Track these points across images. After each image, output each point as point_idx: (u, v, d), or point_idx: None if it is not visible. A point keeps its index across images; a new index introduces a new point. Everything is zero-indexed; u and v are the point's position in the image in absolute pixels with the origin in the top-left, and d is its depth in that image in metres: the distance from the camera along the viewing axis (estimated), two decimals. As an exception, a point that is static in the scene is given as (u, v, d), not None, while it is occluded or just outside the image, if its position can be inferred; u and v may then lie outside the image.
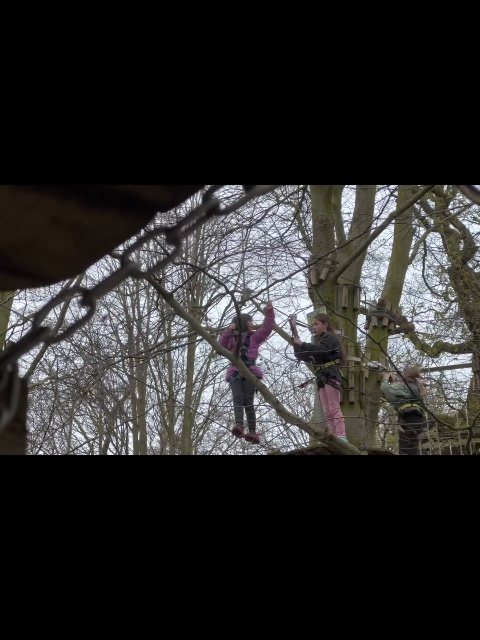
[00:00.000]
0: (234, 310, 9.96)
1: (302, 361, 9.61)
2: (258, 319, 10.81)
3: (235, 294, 9.27)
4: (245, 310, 10.21)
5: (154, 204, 0.93)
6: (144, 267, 0.89)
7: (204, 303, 16.03)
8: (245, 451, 17.03)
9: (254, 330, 9.17)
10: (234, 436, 9.82)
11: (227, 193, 10.71)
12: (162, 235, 0.87)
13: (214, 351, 14.24)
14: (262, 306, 9.71)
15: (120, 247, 1.03)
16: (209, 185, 0.88)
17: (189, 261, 12.37)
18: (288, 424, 14.07)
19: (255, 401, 9.71)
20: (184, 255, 13.59)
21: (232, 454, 17.65)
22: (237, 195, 9.97)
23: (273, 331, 9.97)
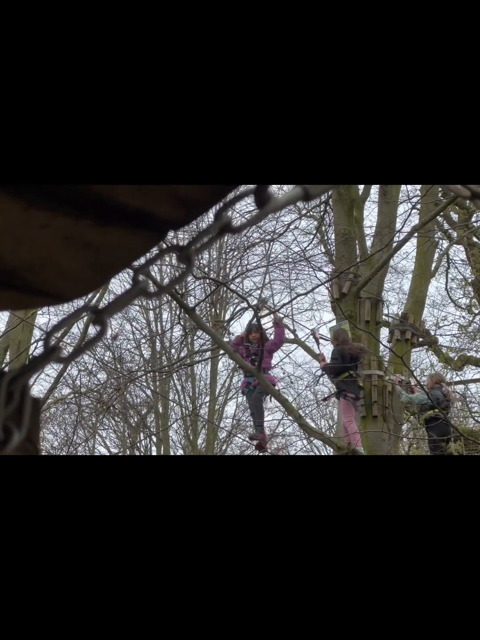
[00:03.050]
0: (255, 322, 9.93)
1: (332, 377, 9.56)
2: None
3: (255, 305, 9.28)
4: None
5: (166, 221, 0.93)
6: (155, 287, 0.88)
7: (227, 317, 16.03)
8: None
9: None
10: (258, 450, 9.81)
11: (242, 209, 10.71)
12: (175, 254, 0.86)
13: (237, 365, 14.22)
14: (280, 318, 9.67)
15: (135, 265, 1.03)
16: (219, 204, 0.88)
17: (212, 275, 12.39)
18: (311, 438, 14.02)
19: (279, 415, 9.69)
20: (206, 269, 13.62)
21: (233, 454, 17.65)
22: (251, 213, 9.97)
23: (284, 343, 9.98)
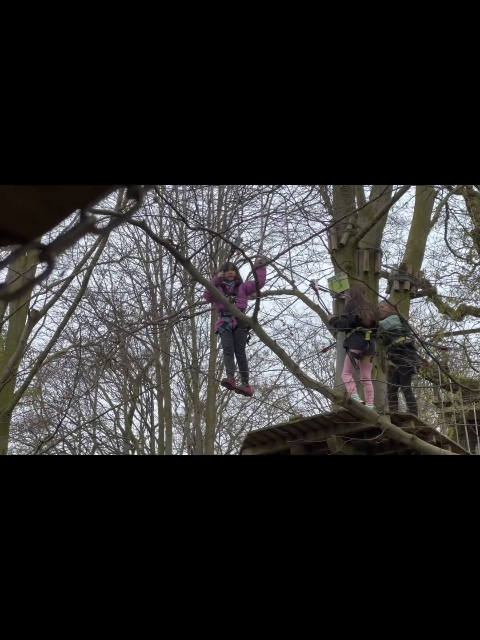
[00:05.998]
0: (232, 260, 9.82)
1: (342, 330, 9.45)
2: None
3: (249, 253, 9.20)
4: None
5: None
6: (104, 224, 0.88)
7: (226, 269, 15.95)
8: (258, 405, 17.07)
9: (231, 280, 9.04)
10: (225, 388, 9.69)
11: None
12: (124, 189, 0.86)
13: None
14: (264, 260, 9.54)
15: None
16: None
17: (211, 228, 12.34)
18: (311, 389, 14.08)
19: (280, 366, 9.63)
20: (205, 223, 13.56)
21: (233, 450, 17.76)
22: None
23: (264, 285, 9.87)
